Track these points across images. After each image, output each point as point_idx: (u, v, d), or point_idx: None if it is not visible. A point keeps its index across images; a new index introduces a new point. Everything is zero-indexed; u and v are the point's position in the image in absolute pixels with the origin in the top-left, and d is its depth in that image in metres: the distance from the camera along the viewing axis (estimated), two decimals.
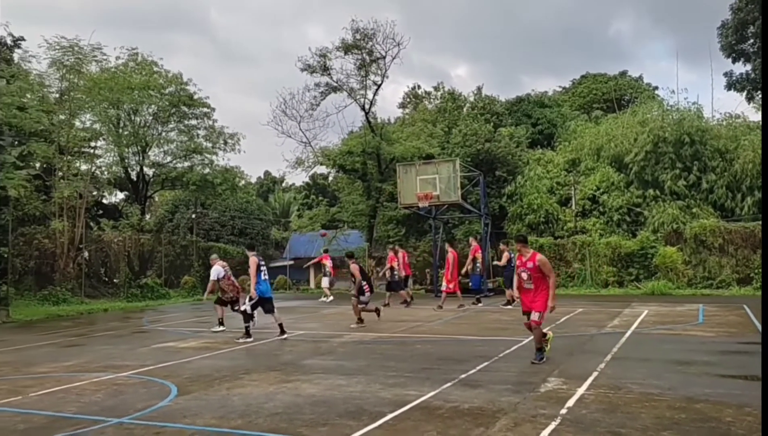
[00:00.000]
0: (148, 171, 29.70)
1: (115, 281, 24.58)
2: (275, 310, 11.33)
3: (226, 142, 29.53)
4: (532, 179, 25.85)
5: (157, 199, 41.27)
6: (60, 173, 22.29)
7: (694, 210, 22.87)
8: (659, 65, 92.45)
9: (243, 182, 36.05)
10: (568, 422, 5.21)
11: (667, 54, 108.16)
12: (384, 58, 27.44)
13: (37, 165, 23.21)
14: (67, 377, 7.91)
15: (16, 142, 21.23)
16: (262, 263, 11.19)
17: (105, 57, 24.16)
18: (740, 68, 29.30)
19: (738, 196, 22.94)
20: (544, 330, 8.29)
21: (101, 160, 27.27)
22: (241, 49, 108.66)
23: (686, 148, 23.59)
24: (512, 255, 15.20)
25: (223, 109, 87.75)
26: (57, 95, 23.67)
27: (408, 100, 40.85)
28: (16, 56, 24.14)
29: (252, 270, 10.94)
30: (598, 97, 38.63)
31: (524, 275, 8.04)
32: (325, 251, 22.53)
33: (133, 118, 27.68)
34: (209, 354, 9.71)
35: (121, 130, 27.18)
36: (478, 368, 7.78)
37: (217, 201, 34.20)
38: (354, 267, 12.85)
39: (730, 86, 29.72)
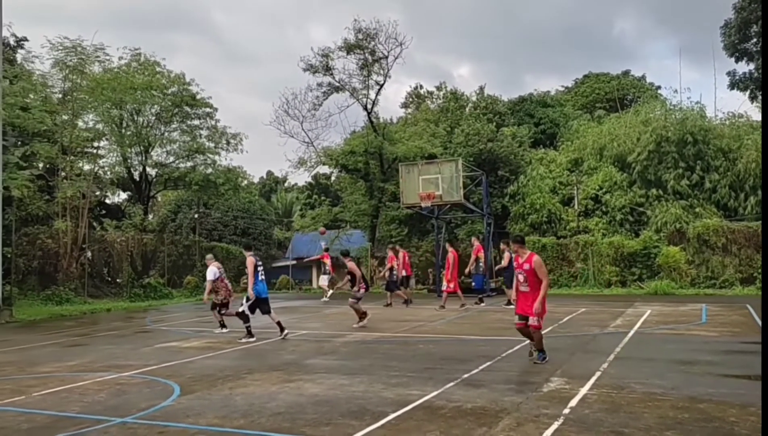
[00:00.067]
0: (151, 171, 29.79)
1: (118, 280, 24.60)
2: (272, 310, 11.41)
3: (228, 142, 29.60)
4: (535, 179, 25.82)
5: (159, 199, 41.33)
6: (63, 173, 22.34)
7: (697, 210, 22.83)
8: (662, 65, 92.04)
9: (245, 182, 36.15)
10: (571, 422, 5.20)
11: (670, 53, 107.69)
12: (386, 57, 27.51)
13: (40, 165, 23.25)
14: (70, 377, 7.92)
15: (20, 143, 21.31)
16: (260, 263, 11.23)
17: (108, 57, 24.31)
18: (743, 67, 29.21)
19: (741, 195, 22.91)
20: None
21: (104, 160, 27.37)
22: (243, 49, 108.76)
23: (689, 148, 23.56)
24: (513, 255, 15.16)
25: (225, 109, 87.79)
26: (60, 96, 23.69)
27: (410, 99, 40.86)
28: (19, 57, 24.18)
29: (249, 270, 11.00)
30: (601, 97, 38.52)
31: (521, 278, 7.98)
32: (326, 250, 22.64)
33: (135, 118, 27.77)
34: (212, 354, 9.72)
35: (123, 131, 27.26)
36: (480, 367, 7.78)
37: (220, 201, 34.22)
38: (351, 265, 12.99)
39: (733, 85, 29.61)
